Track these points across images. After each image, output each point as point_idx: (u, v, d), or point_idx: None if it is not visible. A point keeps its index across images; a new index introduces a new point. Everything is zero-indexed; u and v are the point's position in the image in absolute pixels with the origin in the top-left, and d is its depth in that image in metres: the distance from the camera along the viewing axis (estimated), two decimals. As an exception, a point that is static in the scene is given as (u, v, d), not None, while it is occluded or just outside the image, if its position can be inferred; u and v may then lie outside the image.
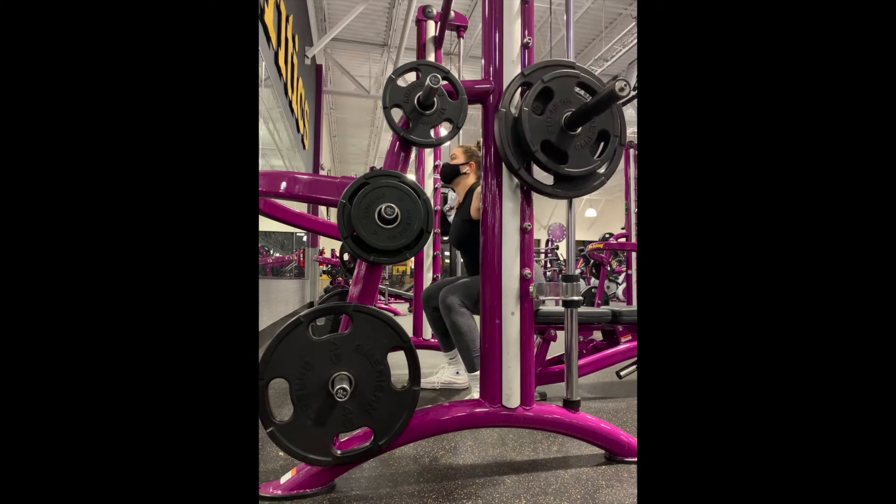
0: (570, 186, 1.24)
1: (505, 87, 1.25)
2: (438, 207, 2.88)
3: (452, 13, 2.80)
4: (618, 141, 1.22)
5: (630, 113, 8.21)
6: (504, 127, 1.21)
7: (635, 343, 2.12)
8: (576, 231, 1.36)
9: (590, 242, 5.74)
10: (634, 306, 2.54)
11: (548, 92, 1.19)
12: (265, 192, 1.35)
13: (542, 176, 1.25)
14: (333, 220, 1.35)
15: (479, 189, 1.65)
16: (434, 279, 2.86)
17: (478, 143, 2.11)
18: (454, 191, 2.30)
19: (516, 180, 1.27)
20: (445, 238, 2.62)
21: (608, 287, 7.14)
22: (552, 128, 1.19)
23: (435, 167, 2.87)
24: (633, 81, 6.38)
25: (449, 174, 2.20)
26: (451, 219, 2.52)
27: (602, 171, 1.24)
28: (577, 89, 1.21)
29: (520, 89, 1.24)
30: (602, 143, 1.23)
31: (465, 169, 2.16)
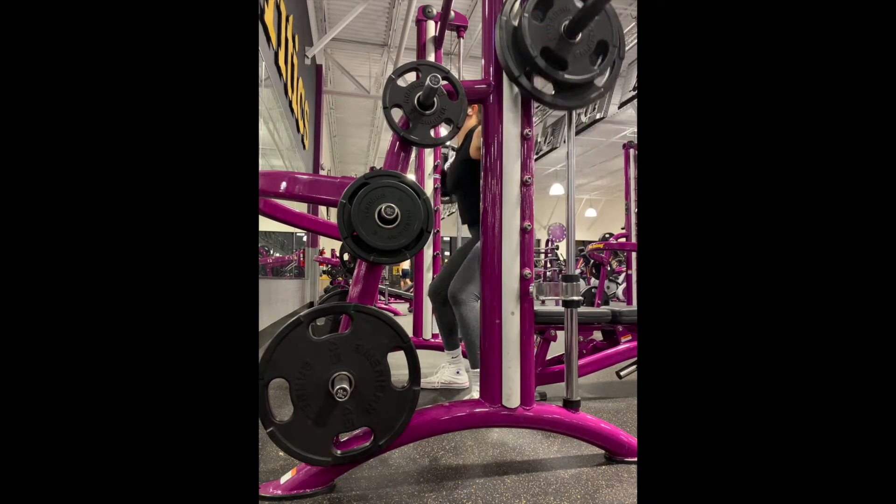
0: (570, 95, 1.25)
1: None
2: (438, 207, 2.87)
3: (452, 13, 2.80)
4: (616, 52, 1.23)
5: (630, 113, 8.22)
6: (505, 35, 1.21)
7: (635, 343, 2.12)
8: (576, 231, 1.36)
9: (590, 242, 5.74)
10: (634, 306, 2.54)
11: (547, 0, 1.20)
12: (265, 192, 1.35)
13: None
14: (333, 220, 1.35)
15: (478, 128, 1.63)
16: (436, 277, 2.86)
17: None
18: (454, 149, 2.30)
19: (517, 90, 1.27)
20: (445, 199, 2.61)
21: (608, 287, 7.14)
22: (552, 35, 1.19)
23: (435, 167, 2.87)
24: (633, 81, 6.38)
25: None
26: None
27: (601, 83, 1.26)
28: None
29: None
30: (601, 56, 1.24)
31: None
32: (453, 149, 2.32)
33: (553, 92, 1.25)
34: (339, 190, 1.21)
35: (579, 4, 1.20)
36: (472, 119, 2.19)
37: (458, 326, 2.03)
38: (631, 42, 6.17)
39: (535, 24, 1.19)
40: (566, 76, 1.21)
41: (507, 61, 1.22)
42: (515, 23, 1.21)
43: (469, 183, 2.01)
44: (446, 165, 2.82)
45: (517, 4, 1.24)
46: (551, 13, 1.20)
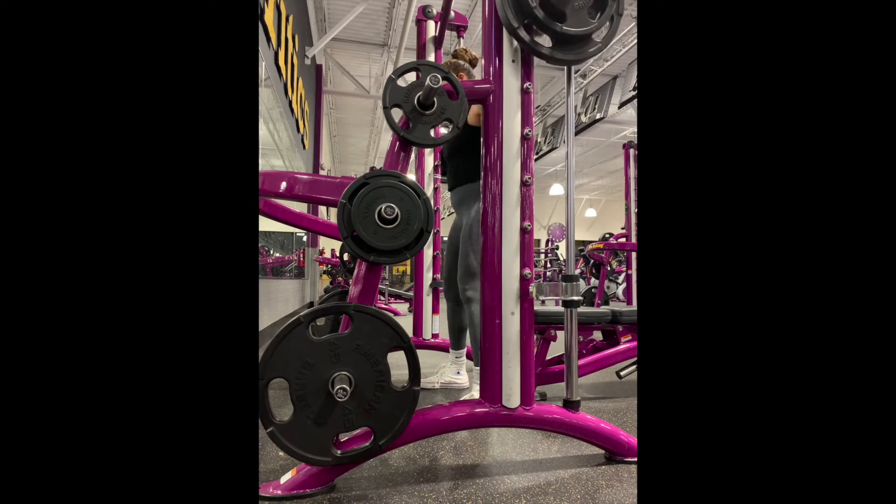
0: (569, 49, 1.25)
1: None
2: (438, 207, 2.87)
3: (452, 13, 2.80)
4: (615, 6, 1.24)
5: (630, 113, 8.22)
6: None
7: (635, 343, 2.12)
8: (576, 231, 1.36)
9: (590, 242, 5.74)
10: (634, 306, 2.54)
11: None
12: (265, 192, 1.35)
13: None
14: (333, 220, 1.35)
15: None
16: (434, 279, 2.86)
17: (455, 52, 2.13)
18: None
19: (516, 44, 1.27)
20: (445, 179, 2.59)
21: (608, 287, 7.15)
22: None
23: (435, 167, 2.87)
24: (633, 81, 6.38)
25: None
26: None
27: (599, 37, 1.27)
28: None
29: None
30: (599, 11, 1.24)
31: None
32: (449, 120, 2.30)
33: (551, 45, 1.26)
34: (339, 190, 1.21)
35: None
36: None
37: (467, 326, 2.01)
38: (631, 42, 6.19)
39: None
40: (565, 28, 1.21)
41: (506, 13, 1.22)
42: None
43: (466, 146, 1.94)
44: None
45: None
46: None
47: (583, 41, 1.25)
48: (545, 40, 1.27)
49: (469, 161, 1.85)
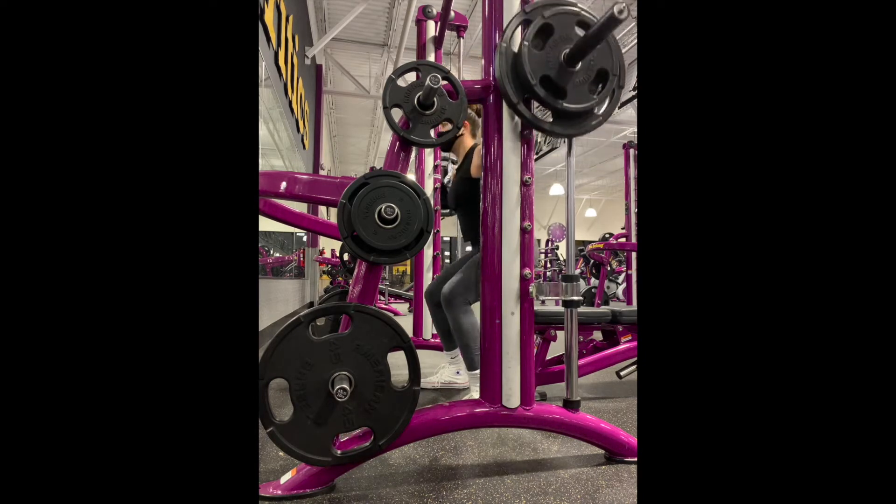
0: (569, 124, 1.24)
1: (505, 24, 1.25)
2: (438, 207, 2.87)
3: (452, 13, 2.80)
4: (616, 81, 1.23)
5: (630, 113, 8.21)
6: (504, 62, 1.21)
7: (635, 343, 2.12)
8: (576, 231, 1.36)
9: (590, 242, 5.74)
10: (634, 306, 2.54)
11: (548, 28, 1.19)
12: (265, 192, 1.35)
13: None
14: (333, 220, 1.35)
15: (479, 147, 1.60)
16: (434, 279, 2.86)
17: None
18: (453, 163, 2.28)
19: (517, 120, 1.27)
20: (445, 211, 2.59)
21: (608, 287, 7.14)
22: (551, 63, 1.19)
23: (435, 167, 2.87)
24: (633, 81, 6.38)
25: (447, 142, 2.19)
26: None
27: (600, 111, 1.26)
28: (577, 28, 1.21)
29: (520, 27, 1.23)
30: (601, 85, 1.24)
31: (460, 131, 2.16)
32: (452, 161, 2.31)
33: (552, 119, 1.24)
34: (339, 190, 1.21)
35: (580, 33, 1.19)
36: (467, 137, 2.16)
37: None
38: (631, 42, 6.18)
39: (534, 52, 1.18)
40: (565, 105, 1.20)
41: (505, 88, 1.21)
42: (515, 50, 1.20)
43: (469, 202, 2.00)
44: (446, 179, 2.81)
45: (517, 32, 1.23)
46: (552, 41, 1.18)
47: (584, 116, 1.24)
48: (545, 113, 1.26)
49: (476, 217, 1.85)
